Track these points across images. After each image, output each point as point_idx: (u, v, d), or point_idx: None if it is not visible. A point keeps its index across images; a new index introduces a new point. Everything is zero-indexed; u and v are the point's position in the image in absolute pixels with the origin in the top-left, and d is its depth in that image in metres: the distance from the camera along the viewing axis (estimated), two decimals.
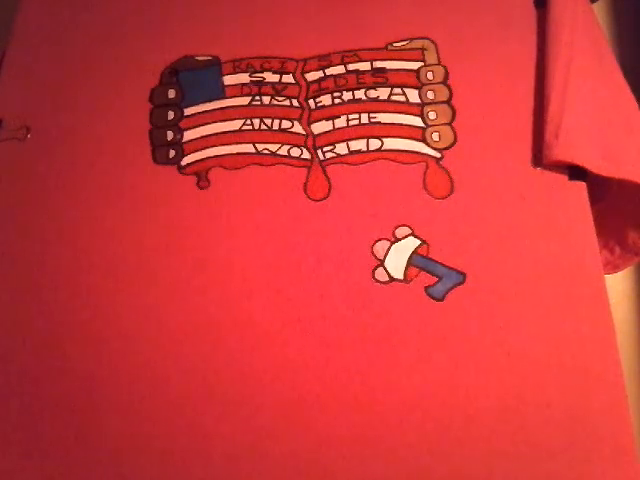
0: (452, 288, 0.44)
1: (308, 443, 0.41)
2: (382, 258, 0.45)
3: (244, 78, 0.51)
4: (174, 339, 0.44)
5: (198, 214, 0.47)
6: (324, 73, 0.51)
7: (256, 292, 0.44)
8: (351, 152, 0.48)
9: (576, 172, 0.46)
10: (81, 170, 0.49)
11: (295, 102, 0.50)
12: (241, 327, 0.44)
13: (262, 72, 0.51)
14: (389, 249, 0.45)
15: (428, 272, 0.44)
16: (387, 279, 0.44)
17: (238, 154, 0.49)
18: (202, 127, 0.50)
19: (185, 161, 0.49)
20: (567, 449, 0.40)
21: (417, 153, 0.47)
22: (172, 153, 0.49)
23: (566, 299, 0.43)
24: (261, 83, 0.51)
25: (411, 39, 0.51)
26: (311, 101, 0.50)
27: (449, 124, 0.48)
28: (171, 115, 0.50)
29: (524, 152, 0.47)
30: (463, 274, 0.44)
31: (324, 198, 0.47)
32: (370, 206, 0.46)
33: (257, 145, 0.49)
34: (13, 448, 0.42)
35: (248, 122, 0.50)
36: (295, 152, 0.48)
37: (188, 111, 0.51)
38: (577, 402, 0.41)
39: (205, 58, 0.52)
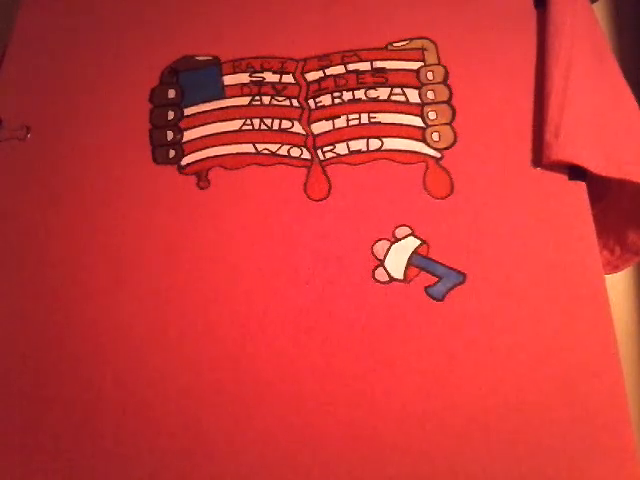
0: (452, 288, 0.44)
1: (308, 442, 0.41)
2: (382, 258, 0.45)
3: (244, 78, 0.51)
4: (174, 339, 0.44)
5: (198, 214, 0.47)
6: (324, 73, 0.51)
7: (256, 292, 0.44)
8: (351, 152, 0.48)
9: (576, 172, 0.46)
10: (81, 170, 0.49)
11: (295, 102, 0.50)
12: (241, 327, 0.44)
13: (262, 72, 0.51)
14: (389, 249, 0.45)
15: (428, 272, 0.44)
16: (387, 279, 0.44)
17: (238, 154, 0.49)
18: (202, 127, 0.50)
19: (185, 161, 0.49)
20: (567, 449, 0.40)
21: (417, 153, 0.47)
22: (172, 153, 0.49)
23: (566, 299, 0.43)
24: (261, 83, 0.51)
25: (411, 39, 0.51)
26: (311, 101, 0.50)
27: (449, 124, 0.48)
28: (171, 115, 0.51)
29: (524, 152, 0.47)
30: (463, 274, 0.44)
31: (324, 198, 0.47)
32: (370, 206, 0.46)
33: (257, 145, 0.49)
34: (14, 448, 0.42)
35: (248, 122, 0.50)
36: (295, 152, 0.48)
37: (188, 111, 0.51)
38: (577, 402, 0.41)
39: (205, 58, 0.52)
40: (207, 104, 0.51)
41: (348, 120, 0.49)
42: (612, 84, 0.50)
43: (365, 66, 0.50)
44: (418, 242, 0.45)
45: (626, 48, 0.76)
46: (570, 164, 0.46)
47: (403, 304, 0.43)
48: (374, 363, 0.42)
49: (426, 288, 0.44)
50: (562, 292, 0.43)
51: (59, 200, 0.49)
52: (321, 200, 0.47)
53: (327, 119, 0.49)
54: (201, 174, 0.48)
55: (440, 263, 0.44)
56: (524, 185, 0.46)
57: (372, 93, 0.50)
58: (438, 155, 0.47)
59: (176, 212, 0.47)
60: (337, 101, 0.50)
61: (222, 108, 0.50)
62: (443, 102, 0.49)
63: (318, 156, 0.48)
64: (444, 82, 0.49)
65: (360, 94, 0.50)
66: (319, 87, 0.50)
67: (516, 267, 0.44)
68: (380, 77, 0.50)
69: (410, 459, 0.40)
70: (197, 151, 0.49)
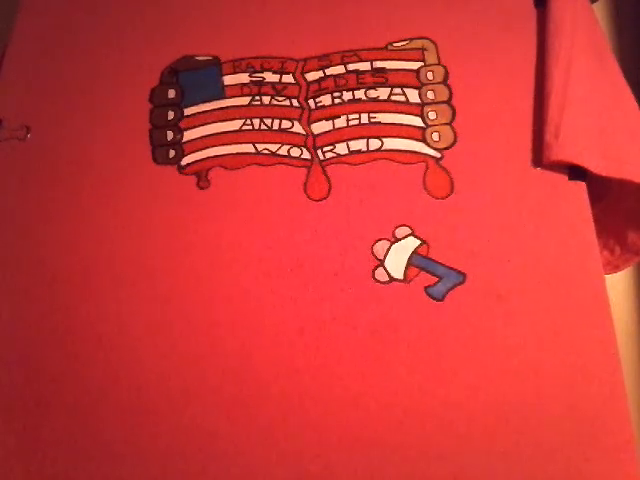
0: (452, 288, 0.44)
1: (308, 443, 0.41)
2: (382, 258, 0.45)
3: (244, 78, 0.51)
4: (175, 339, 0.44)
5: (198, 214, 0.47)
6: (324, 73, 0.51)
7: (256, 292, 0.44)
8: (351, 152, 0.48)
9: (576, 172, 0.46)
10: (81, 170, 0.49)
11: (295, 102, 0.50)
12: (241, 327, 0.44)
13: (262, 72, 0.51)
14: (389, 249, 0.45)
15: (428, 272, 0.44)
16: (387, 279, 0.44)
17: (238, 154, 0.49)
18: (202, 127, 0.50)
19: (185, 161, 0.49)
20: (567, 448, 0.40)
21: (417, 153, 0.47)
22: (172, 153, 0.49)
23: (566, 299, 0.43)
24: (261, 83, 0.51)
25: (411, 39, 0.51)
26: (311, 101, 0.50)
27: (449, 124, 0.48)
28: (171, 115, 0.51)
29: (524, 152, 0.47)
30: (463, 274, 0.44)
31: (324, 198, 0.47)
32: (370, 206, 0.46)
33: (257, 145, 0.49)
34: (14, 449, 0.42)
35: (248, 122, 0.50)
36: (295, 152, 0.48)
37: (188, 111, 0.51)
38: (577, 402, 0.41)
39: (205, 58, 0.52)
40: (207, 104, 0.51)
41: (348, 120, 0.49)
42: (612, 84, 0.50)
43: (365, 66, 0.50)
44: (418, 242, 0.45)
45: (626, 48, 0.76)
46: (570, 164, 0.46)
47: (403, 304, 0.43)
48: (374, 363, 0.42)
49: (426, 288, 0.44)
50: (562, 292, 0.43)
51: (59, 200, 0.49)
52: (321, 200, 0.47)
53: (327, 119, 0.49)
54: (201, 174, 0.48)
55: (440, 263, 0.44)
56: (524, 185, 0.46)
57: (372, 93, 0.50)
58: (438, 155, 0.47)
59: (176, 212, 0.47)
60: (337, 101, 0.50)
61: (222, 108, 0.50)
62: (443, 102, 0.49)
63: (318, 156, 0.48)
64: (444, 82, 0.49)
65: (360, 94, 0.50)
66: (319, 87, 0.50)
67: (516, 267, 0.44)
68: (380, 77, 0.50)
69: (410, 459, 0.40)
70: (197, 151, 0.49)
